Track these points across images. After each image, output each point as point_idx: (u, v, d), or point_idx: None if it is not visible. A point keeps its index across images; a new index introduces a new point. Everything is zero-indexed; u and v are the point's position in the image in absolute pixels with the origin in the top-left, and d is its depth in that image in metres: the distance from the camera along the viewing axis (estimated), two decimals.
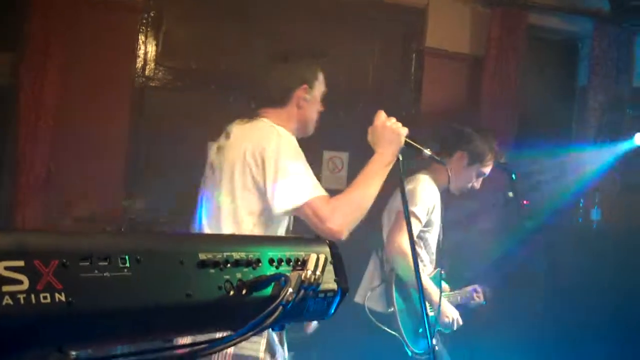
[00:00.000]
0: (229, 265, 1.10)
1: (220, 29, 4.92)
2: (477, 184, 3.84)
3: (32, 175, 4.20)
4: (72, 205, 4.29)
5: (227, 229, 2.68)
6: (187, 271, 1.03)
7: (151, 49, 4.77)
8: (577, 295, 5.17)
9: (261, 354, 2.68)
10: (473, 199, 4.07)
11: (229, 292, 1.08)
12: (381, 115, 2.78)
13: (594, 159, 5.57)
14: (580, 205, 5.72)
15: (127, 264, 0.95)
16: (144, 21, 4.72)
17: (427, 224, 3.69)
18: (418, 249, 3.66)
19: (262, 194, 2.64)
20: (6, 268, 0.82)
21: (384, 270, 3.69)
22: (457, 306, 3.84)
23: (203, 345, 1.06)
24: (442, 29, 5.46)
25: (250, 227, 2.67)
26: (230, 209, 2.70)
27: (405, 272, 3.51)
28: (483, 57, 5.45)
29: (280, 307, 1.10)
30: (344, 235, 2.62)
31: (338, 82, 5.14)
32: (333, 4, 5.15)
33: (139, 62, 4.73)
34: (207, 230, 2.76)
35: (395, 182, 2.76)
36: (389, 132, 2.72)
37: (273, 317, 1.09)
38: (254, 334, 1.09)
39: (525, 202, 4.11)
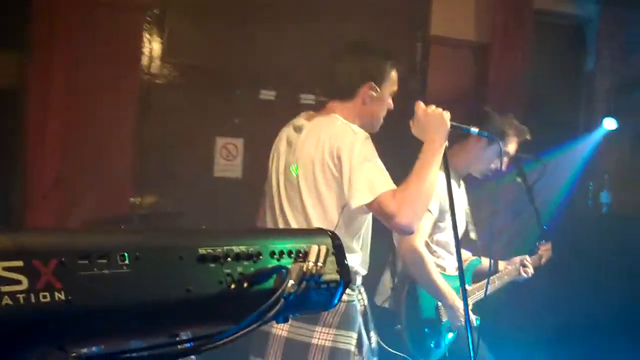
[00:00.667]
0: (229, 259, 1.10)
1: (225, 25, 4.91)
2: (502, 166, 3.57)
3: (42, 177, 4.20)
4: (83, 205, 4.31)
5: (316, 222, 2.75)
6: (186, 266, 1.04)
7: (156, 46, 4.77)
8: (586, 279, 5.16)
9: (352, 348, 2.79)
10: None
11: (230, 286, 1.09)
12: (420, 105, 2.80)
13: (603, 143, 5.54)
14: (590, 188, 5.70)
15: (126, 261, 0.96)
16: (149, 18, 4.72)
17: (441, 215, 3.50)
18: (434, 246, 3.57)
19: (341, 190, 2.70)
20: (5, 268, 0.83)
21: (396, 270, 3.59)
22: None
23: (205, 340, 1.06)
24: (447, 17, 5.42)
25: (336, 220, 2.74)
26: (316, 204, 2.77)
27: (417, 271, 3.41)
28: (489, 44, 5.42)
29: (282, 299, 1.11)
30: (414, 228, 2.68)
31: None
32: None
33: (145, 60, 4.74)
34: (293, 223, 2.83)
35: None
36: (433, 118, 2.75)
37: (275, 309, 1.10)
38: (257, 327, 1.09)
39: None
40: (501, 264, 3.93)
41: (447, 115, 2.76)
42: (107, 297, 0.92)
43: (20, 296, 0.83)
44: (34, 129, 4.18)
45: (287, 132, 2.97)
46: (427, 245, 3.50)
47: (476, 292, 3.69)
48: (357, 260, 2.83)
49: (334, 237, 1.30)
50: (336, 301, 1.29)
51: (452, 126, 2.76)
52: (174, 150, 4.68)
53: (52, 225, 4.19)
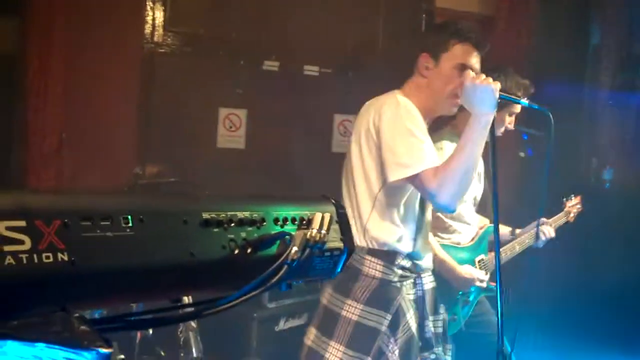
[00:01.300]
0: (233, 224, 1.09)
1: None
2: (509, 125, 3.58)
3: (44, 144, 4.19)
4: (84, 173, 4.30)
5: (359, 190, 2.78)
6: (190, 230, 1.03)
7: (159, 14, 4.73)
8: (589, 255, 5.16)
9: (383, 328, 2.74)
10: None
11: (234, 252, 1.08)
12: (469, 74, 2.67)
13: (607, 118, 5.52)
14: (593, 165, 5.69)
15: (130, 224, 0.95)
16: None
17: None
18: (448, 221, 3.52)
19: (382, 161, 2.69)
20: (7, 228, 0.82)
21: None
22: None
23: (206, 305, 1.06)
24: None
25: (376, 190, 2.74)
26: (359, 172, 2.78)
27: None
28: (493, 16, 5.38)
29: (285, 266, 1.10)
30: (455, 206, 2.68)
31: (346, 44, 5.12)
32: None
33: (148, 28, 4.70)
34: (344, 190, 2.87)
35: None
36: (481, 89, 2.61)
37: (278, 275, 1.09)
38: (260, 292, 1.08)
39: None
40: (517, 230, 3.91)
41: (496, 86, 2.61)
42: (109, 259, 0.91)
43: (23, 256, 0.82)
44: (34, 96, 4.15)
45: None
46: (440, 219, 3.47)
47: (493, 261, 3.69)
48: (395, 235, 2.77)
49: (337, 205, 1.29)
50: (339, 269, 1.28)
51: (501, 97, 2.64)
52: (177, 121, 4.66)
53: (55, 186, 4.21)
